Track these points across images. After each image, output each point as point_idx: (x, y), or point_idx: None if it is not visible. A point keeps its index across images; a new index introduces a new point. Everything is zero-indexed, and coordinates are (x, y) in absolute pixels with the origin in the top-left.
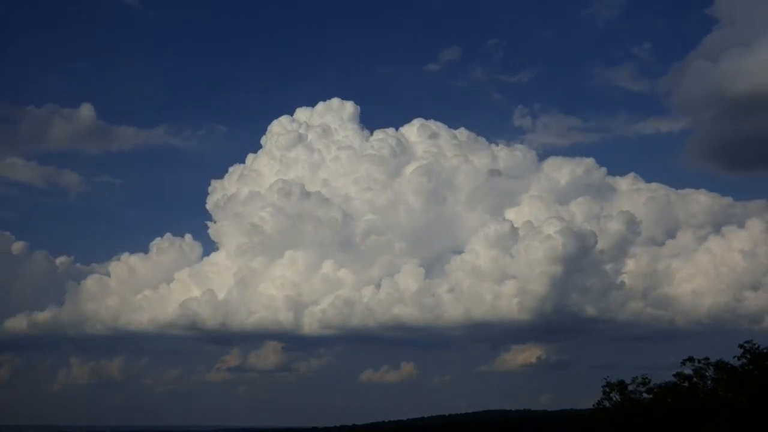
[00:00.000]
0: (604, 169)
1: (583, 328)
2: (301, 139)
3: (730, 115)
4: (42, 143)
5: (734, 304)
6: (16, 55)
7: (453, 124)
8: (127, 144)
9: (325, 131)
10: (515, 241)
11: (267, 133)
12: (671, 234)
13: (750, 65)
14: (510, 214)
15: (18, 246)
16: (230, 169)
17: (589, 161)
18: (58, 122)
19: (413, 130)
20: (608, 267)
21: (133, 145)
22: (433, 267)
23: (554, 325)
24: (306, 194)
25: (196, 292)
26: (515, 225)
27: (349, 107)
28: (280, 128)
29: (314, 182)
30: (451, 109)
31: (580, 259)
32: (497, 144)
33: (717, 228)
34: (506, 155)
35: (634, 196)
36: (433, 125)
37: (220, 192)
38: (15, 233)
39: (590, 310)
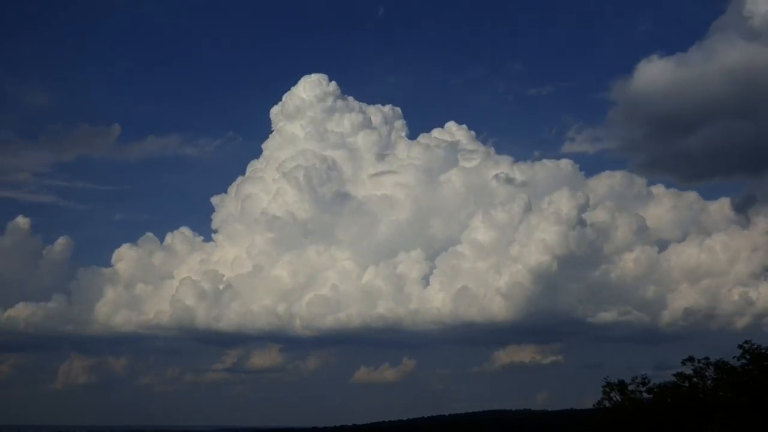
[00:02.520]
0: (643, 180)
1: (579, 328)
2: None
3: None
4: (65, 155)
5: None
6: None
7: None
8: (144, 153)
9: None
10: (524, 246)
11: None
12: (681, 239)
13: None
14: (527, 221)
15: (45, 250)
16: (231, 186)
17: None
18: (80, 135)
19: (445, 135)
20: (607, 270)
21: (149, 154)
22: (441, 270)
23: (550, 325)
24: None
25: (197, 293)
26: (529, 231)
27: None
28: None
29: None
30: (479, 120)
31: (581, 261)
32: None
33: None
34: (535, 165)
35: (664, 203)
36: (466, 133)
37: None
38: (42, 237)
39: (591, 312)
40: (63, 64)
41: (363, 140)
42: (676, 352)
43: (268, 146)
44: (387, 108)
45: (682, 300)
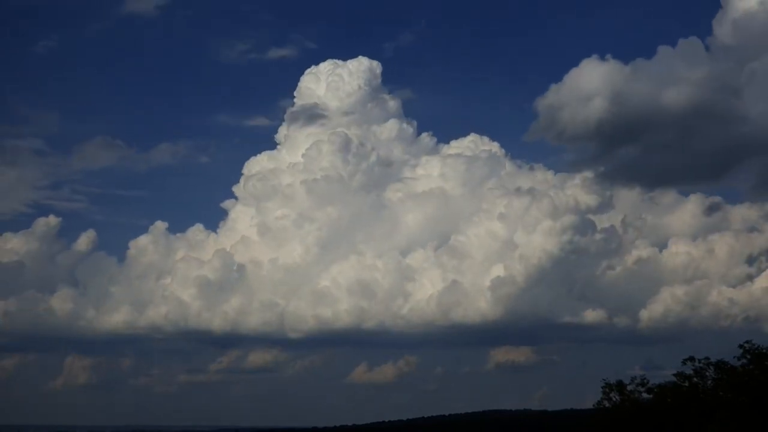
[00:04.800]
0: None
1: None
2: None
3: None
4: (89, 164)
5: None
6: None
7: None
8: (156, 161)
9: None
10: (528, 250)
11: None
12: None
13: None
14: (534, 226)
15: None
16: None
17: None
18: (99, 147)
19: (468, 145)
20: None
21: (162, 161)
22: (443, 271)
23: (543, 326)
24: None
25: (199, 293)
26: (534, 237)
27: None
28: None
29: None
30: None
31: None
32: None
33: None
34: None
35: (688, 208)
36: (487, 143)
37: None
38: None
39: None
40: (75, 79)
41: (382, 145)
42: (667, 353)
43: (280, 146)
44: (408, 119)
45: (669, 301)
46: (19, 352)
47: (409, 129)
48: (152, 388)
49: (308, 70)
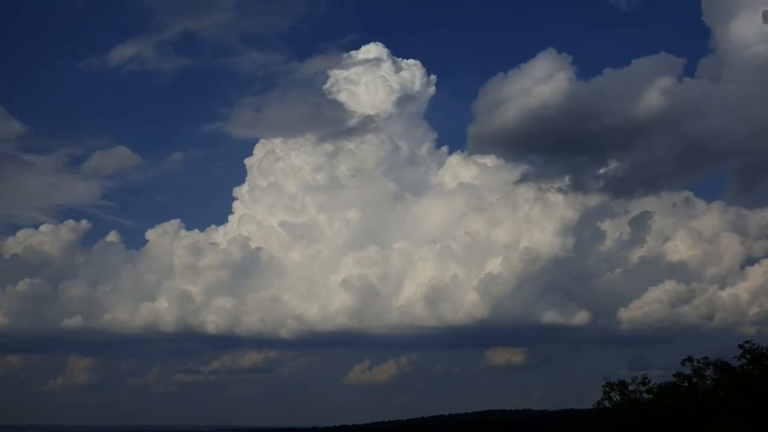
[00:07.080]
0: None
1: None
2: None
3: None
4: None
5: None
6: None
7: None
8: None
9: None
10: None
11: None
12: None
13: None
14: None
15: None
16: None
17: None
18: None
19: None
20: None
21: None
22: (446, 271)
23: (537, 327)
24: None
25: (202, 292)
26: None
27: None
28: None
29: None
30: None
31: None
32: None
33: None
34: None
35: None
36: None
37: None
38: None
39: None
40: (105, 94)
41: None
42: (655, 354)
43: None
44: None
45: (656, 303)
46: (19, 353)
47: (426, 132)
48: (152, 388)
49: (336, 70)
